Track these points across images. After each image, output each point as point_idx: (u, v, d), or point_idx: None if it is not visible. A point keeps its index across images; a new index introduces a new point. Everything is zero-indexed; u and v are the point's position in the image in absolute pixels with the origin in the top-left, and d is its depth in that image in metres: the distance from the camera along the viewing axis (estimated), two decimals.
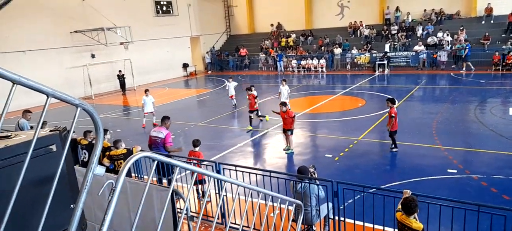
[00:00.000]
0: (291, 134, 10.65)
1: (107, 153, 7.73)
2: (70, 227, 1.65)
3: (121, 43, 24.95)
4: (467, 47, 22.64)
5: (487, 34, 23.57)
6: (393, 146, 10.12)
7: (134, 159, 1.82)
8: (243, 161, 10.40)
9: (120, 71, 24.76)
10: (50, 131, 2.18)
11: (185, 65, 32.26)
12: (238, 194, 7.06)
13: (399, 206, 4.46)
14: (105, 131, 8.05)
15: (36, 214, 2.01)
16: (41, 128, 2.34)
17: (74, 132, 8.83)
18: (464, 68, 22.54)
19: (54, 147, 2.12)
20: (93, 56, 25.41)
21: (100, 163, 7.75)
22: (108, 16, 23.99)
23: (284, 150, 10.84)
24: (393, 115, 9.82)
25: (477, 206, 4.38)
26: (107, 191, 1.87)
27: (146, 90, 15.12)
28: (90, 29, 24.04)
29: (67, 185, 2.25)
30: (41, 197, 1.97)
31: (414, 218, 4.30)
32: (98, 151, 1.73)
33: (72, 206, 2.20)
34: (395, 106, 10.19)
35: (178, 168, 2.33)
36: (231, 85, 17.12)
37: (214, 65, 33.65)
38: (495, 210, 4.42)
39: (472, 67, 22.39)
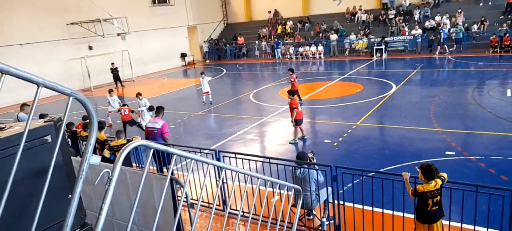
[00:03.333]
0: (295, 124, 10.31)
1: (106, 144, 7.75)
2: (67, 217, 1.66)
3: (118, 34, 24.80)
4: (442, 31, 22.83)
5: (483, 18, 23.43)
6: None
7: (129, 148, 1.82)
8: (243, 148, 10.43)
9: (113, 64, 24.43)
10: (45, 121, 2.18)
11: (183, 55, 32.11)
12: (238, 180, 7.10)
13: (410, 189, 4.61)
14: (103, 123, 8.05)
15: (34, 205, 2.02)
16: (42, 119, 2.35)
17: (72, 123, 8.82)
18: (438, 52, 22.73)
19: (49, 138, 2.12)
20: (90, 48, 25.26)
21: (101, 154, 7.79)
22: (104, 7, 23.78)
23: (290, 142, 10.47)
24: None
25: (475, 187, 4.42)
26: (105, 181, 1.87)
27: (110, 91, 14.57)
28: (86, 21, 23.85)
29: (64, 175, 2.26)
30: (38, 188, 1.98)
31: (435, 179, 4.51)
32: (92, 140, 1.73)
33: (70, 196, 2.21)
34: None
35: (175, 156, 2.33)
36: (205, 81, 15.68)
37: (212, 54, 33.50)
38: (493, 191, 4.45)
39: (448, 51, 22.59)
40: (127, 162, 7.27)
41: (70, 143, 8.17)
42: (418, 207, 4.69)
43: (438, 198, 4.57)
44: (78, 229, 2.45)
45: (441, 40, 22.64)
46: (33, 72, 1.60)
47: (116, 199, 4.66)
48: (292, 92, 10.60)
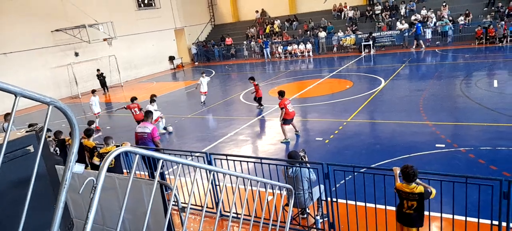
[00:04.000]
0: (283, 123, 10.23)
1: (95, 151, 7.65)
2: (51, 227, 1.61)
3: (105, 40, 24.54)
4: (416, 26, 23.42)
5: (467, 11, 23.75)
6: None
7: (114, 155, 1.78)
8: (235, 150, 10.40)
9: (98, 70, 24.25)
10: (26, 131, 2.12)
11: (172, 58, 31.95)
12: (231, 182, 7.04)
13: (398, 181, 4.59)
14: (91, 130, 7.94)
15: (19, 215, 1.97)
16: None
17: (61, 132, 8.67)
18: (414, 46, 23.26)
19: (31, 148, 2.07)
20: (76, 54, 24.97)
21: (91, 161, 7.68)
22: (89, 13, 23.54)
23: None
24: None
25: (465, 178, 4.45)
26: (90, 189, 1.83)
27: (93, 91, 15.01)
28: (71, 27, 23.56)
29: (48, 184, 2.20)
30: (22, 198, 1.93)
31: (416, 183, 4.44)
32: (75, 148, 1.69)
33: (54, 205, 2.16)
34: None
35: (161, 161, 2.29)
36: (205, 80, 15.93)
37: (200, 56, 33.38)
38: (482, 181, 4.49)
39: (423, 46, 23.10)
40: (118, 169, 7.17)
41: (58, 151, 8.03)
42: (397, 205, 4.71)
43: (415, 203, 4.49)
44: None
45: (416, 35, 23.34)
46: (19, 81, 1.56)
47: (106, 207, 4.59)
48: (282, 93, 10.53)
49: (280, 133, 11.20)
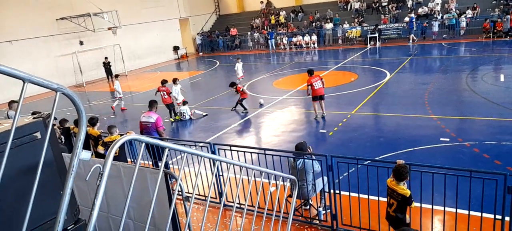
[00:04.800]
0: (313, 100, 11.06)
1: (100, 140, 7.69)
2: (58, 214, 1.63)
3: (109, 28, 24.54)
4: (411, 20, 23.62)
5: (475, 4, 23.47)
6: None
7: (119, 143, 1.79)
8: (239, 140, 10.42)
9: (106, 58, 24.39)
10: (34, 118, 2.14)
11: (176, 48, 31.90)
12: (234, 172, 7.09)
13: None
14: (95, 119, 7.97)
15: (27, 202, 1.99)
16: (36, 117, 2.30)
17: (66, 120, 8.71)
18: (410, 41, 23.36)
19: (38, 134, 2.09)
20: (81, 43, 25.01)
21: (96, 150, 7.73)
22: (94, 1, 23.50)
23: None
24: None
25: (469, 172, 4.44)
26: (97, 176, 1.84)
27: (116, 75, 16.53)
28: (76, 16, 23.58)
29: (55, 172, 2.22)
30: (30, 185, 1.95)
31: (403, 184, 4.40)
32: (82, 135, 1.70)
33: (62, 192, 2.18)
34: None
35: (167, 149, 2.30)
36: (240, 65, 16.83)
37: (205, 46, 33.31)
38: (486, 175, 4.48)
39: (415, 39, 23.39)
40: (122, 158, 7.22)
41: (63, 139, 8.09)
42: (387, 203, 4.70)
43: (395, 204, 4.44)
44: (72, 226, 2.42)
45: (410, 29, 23.58)
46: (24, 69, 1.56)
47: (111, 195, 4.63)
48: (310, 71, 11.16)
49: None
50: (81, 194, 4.84)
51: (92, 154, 7.62)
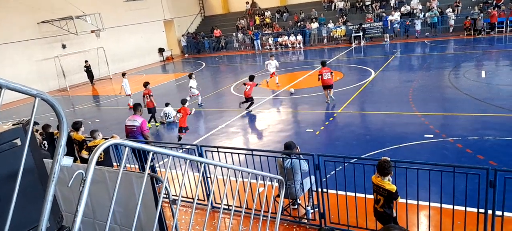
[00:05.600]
0: (323, 88, 12.57)
1: (84, 145, 7.57)
2: (40, 221, 1.60)
3: (92, 31, 24.20)
4: (385, 19, 24.38)
5: (456, 2, 23.94)
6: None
7: (102, 148, 1.76)
8: (227, 142, 10.39)
9: (86, 61, 24.10)
10: (13, 124, 2.09)
11: (161, 50, 31.64)
12: (222, 174, 7.05)
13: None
14: (79, 123, 7.84)
15: (6, 211, 1.94)
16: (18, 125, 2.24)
17: (49, 125, 8.54)
18: (387, 39, 23.88)
19: (18, 141, 2.04)
20: (64, 46, 24.59)
21: (80, 155, 7.60)
22: (76, 4, 23.14)
23: None
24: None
25: (452, 168, 4.52)
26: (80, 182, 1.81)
27: (123, 74, 16.28)
28: (58, 19, 23.16)
29: (37, 178, 2.17)
30: (10, 193, 1.90)
31: (388, 180, 4.46)
32: (63, 141, 1.67)
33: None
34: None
35: (151, 153, 2.28)
36: (274, 63, 16.48)
37: (190, 48, 33.13)
38: (469, 170, 4.57)
39: (387, 39, 24.04)
40: (107, 162, 7.12)
41: (46, 145, 7.93)
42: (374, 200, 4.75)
43: (382, 199, 4.51)
44: None
45: (383, 28, 24.30)
46: (5, 74, 1.53)
47: (96, 200, 4.56)
48: (323, 63, 12.53)
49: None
50: (66, 201, 4.75)
51: (76, 159, 7.50)
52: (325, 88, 12.45)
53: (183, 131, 10.33)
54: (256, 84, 13.12)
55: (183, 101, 10.50)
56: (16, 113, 16.99)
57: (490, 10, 21.86)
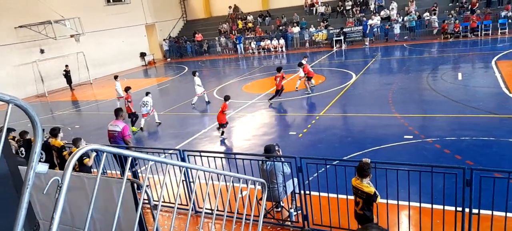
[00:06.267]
0: (306, 80, 14.43)
1: (64, 153, 7.41)
2: (14, 229, 1.56)
3: (72, 36, 23.76)
4: (365, 23, 24.91)
5: (434, 5, 24.56)
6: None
7: (79, 153, 1.74)
8: (210, 146, 10.35)
9: (66, 66, 23.68)
10: None
11: (143, 54, 31.30)
12: (205, 178, 6.99)
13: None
14: (57, 129, 7.68)
15: None
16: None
17: (27, 131, 8.32)
18: (367, 43, 24.45)
19: None
20: (42, 51, 24.05)
21: (59, 162, 7.43)
22: (54, 8, 22.68)
23: None
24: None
25: (430, 167, 4.63)
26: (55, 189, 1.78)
27: (115, 76, 15.97)
28: (36, 23, 22.65)
29: (11, 186, 2.12)
30: None
31: (367, 183, 4.52)
32: (37, 148, 1.63)
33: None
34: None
35: (130, 158, 2.26)
36: (304, 62, 15.84)
37: (172, 52, 32.89)
38: (446, 170, 4.68)
39: (367, 43, 24.50)
40: (88, 168, 7.00)
41: (24, 152, 7.73)
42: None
43: (361, 202, 4.55)
44: None
45: (363, 32, 24.79)
46: None
47: (75, 207, 4.47)
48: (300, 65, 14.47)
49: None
50: (43, 208, 4.64)
51: (55, 166, 7.33)
52: (308, 79, 14.26)
53: (224, 126, 10.56)
54: (283, 77, 13.60)
55: (226, 98, 10.79)
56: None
57: (466, 14, 22.50)
